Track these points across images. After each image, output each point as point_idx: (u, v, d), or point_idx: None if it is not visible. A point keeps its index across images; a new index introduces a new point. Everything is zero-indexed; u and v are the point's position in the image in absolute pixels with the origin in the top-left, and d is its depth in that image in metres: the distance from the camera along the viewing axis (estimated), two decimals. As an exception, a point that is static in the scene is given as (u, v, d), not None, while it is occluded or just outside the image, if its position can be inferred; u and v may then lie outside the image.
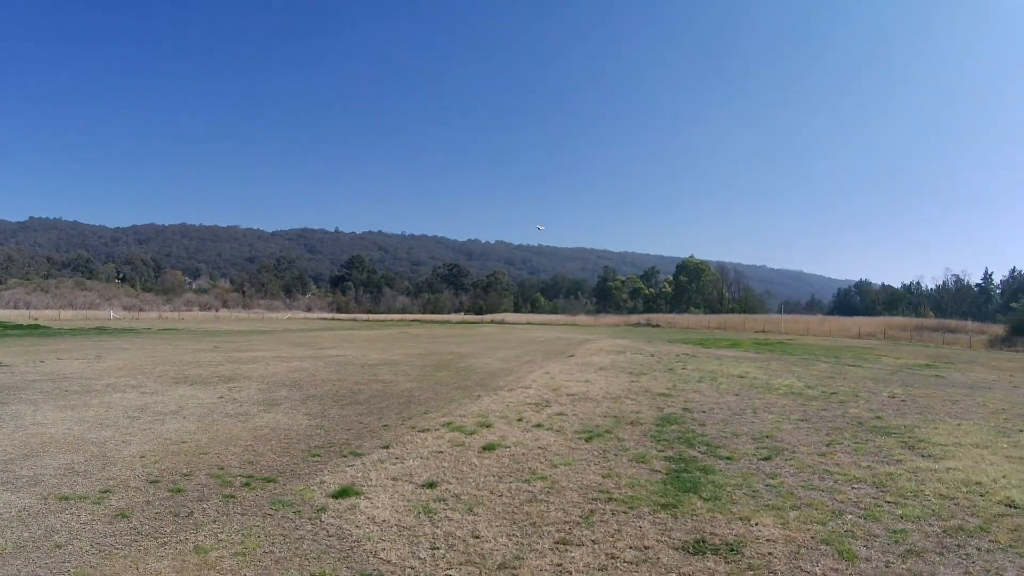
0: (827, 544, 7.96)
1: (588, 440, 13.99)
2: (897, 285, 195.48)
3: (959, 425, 16.56)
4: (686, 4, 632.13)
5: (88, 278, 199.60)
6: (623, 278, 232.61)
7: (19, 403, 18.13)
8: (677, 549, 7.81)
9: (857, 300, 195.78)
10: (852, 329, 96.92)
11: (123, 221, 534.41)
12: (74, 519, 8.77)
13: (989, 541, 8.17)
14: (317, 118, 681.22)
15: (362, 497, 9.82)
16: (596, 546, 7.91)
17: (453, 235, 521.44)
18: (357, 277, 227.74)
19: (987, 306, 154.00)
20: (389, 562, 7.41)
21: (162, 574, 7.06)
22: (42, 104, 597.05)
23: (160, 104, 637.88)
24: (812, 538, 8.17)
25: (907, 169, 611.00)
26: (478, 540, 8.04)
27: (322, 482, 10.69)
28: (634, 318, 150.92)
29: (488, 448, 13.10)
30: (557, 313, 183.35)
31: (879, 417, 17.42)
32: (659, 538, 8.16)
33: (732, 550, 7.74)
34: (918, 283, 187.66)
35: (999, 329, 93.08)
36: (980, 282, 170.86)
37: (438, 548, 7.82)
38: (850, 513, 9.16)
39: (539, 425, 15.68)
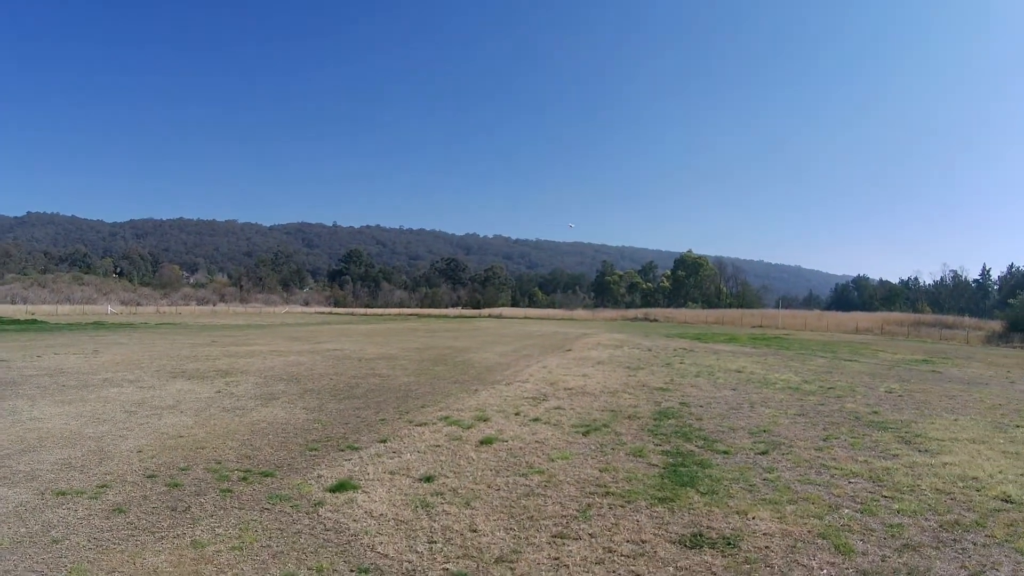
0: (824, 538, 7.98)
1: (585, 434, 14.02)
2: (895, 281, 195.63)
3: (956, 420, 16.59)
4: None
5: (85, 273, 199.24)
6: (621, 273, 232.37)
7: (16, 398, 18.13)
8: (674, 543, 7.83)
9: (855, 295, 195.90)
10: (849, 324, 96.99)
11: (121, 216, 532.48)
12: (71, 514, 8.78)
13: (985, 536, 8.18)
14: (315, 113, 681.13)
15: (359, 491, 9.83)
16: (593, 540, 7.92)
17: (451, 229, 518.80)
18: (355, 271, 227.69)
19: (984, 302, 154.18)
20: (387, 556, 7.42)
21: (159, 569, 7.07)
22: (40, 99, 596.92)
23: (158, 99, 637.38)
24: (809, 532, 8.18)
25: (905, 165, 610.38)
26: (476, 534, 8.05)
27: (319, 476, 10.71)
28: (632, 312, 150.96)
29: (485, 442, 13.11)
30: (555, 308, 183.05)
31: (876, 412, 17.44)
32: (656, 532, 8.18)
33: (729, 544, 7.75)
34: (916, 279, 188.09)
35: (996, 325, 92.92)
36: (978, 278, 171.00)
37: (436, 542, 7.83)
38: (847, 507, 9.17)
39: (536, 419, 15.69)
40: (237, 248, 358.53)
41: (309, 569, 7.06)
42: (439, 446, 12.82)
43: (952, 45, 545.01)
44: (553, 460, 11.73)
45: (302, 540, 7.89)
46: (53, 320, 78.08)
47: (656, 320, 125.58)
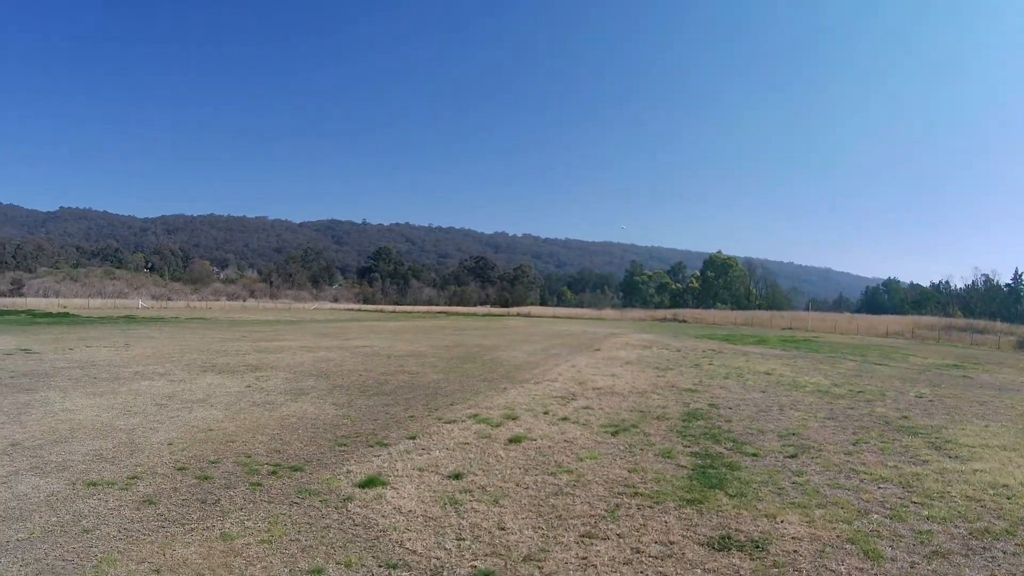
0: (853, 543, 7.95)
1: (614, 434, 14.02)
2: (926, 284, 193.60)
3: (986, 427, 16.43)
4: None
5: (117, 267, 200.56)
6: (650, 273, 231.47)
7: (48, 390, 18.32)
8: (702, 545, 7.82)
9: (885, 298, 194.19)
10: (880, 328, 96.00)
11: (152, 212, 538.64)
12: (102, 504, 8.88)
13: (1015, 544, 8.12)
14: (345, 111, 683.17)
15: (388, 487, 9.89)
16: (621, 540, 7.93)
17: (480, 228, 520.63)
18: (384, 269, 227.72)
19: (1016, 307, 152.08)
20: (415, 552, 7.46)
21: (189, 560, 7.15)
22: (74, 97, 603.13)
23: (189, 97, 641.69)
24: (838, 537, 8.16)
25: (938, 167, 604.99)
26: (504, 532, 8.08)
27: (349, 472, 10.78)
28: (660, 313, 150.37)
29: (514, 440, 13.15)
30: (583, 307, 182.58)
31: (906, 417, 17.31)
32: (684, 533, 8.17)
33: (757, 547, 7.75)
34: (947, 282, 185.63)
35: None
36: (1010, 282, 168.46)
37: (464, 539, 7.86)
38: (876, 513, 9.13)
39: (565, 418, 15.71)
40: (267, 244, 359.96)
41: (338, 563, 7.12)
42: (468, 444, 12.87)
43: (990, 42, 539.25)
44: (582, 460, 11.74)
45: (331, 535, 7.95)
46: (85, 314, 78.88)
47: (685, 321, 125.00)
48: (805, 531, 8.31)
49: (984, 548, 7.96)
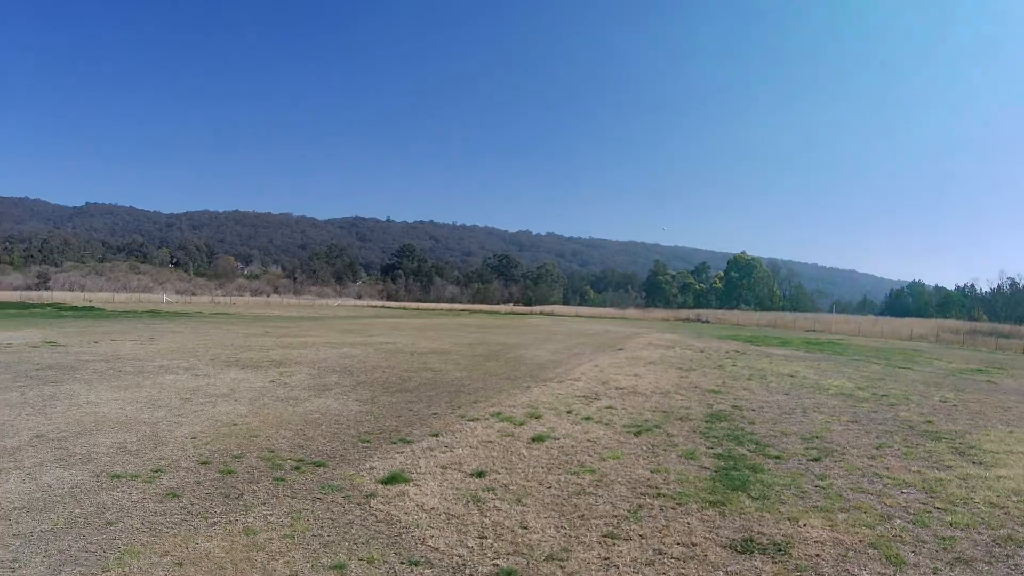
0: (875, 548, 7.94)
1: (637, 434, 14.02)
2: (951, 287, 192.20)
3: (1011, 432, 16.31)
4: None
5: (142, 262, 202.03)
6: (673, 272, 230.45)
7: (74, 383, 18.50)
8: (725, 547, 7.83)
9: (909, 301, 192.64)
10: (904, 331, 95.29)
11: (177, 207, 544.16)
12: (125, 497, 8.98)
13: (1040, 551, 8.06)
14: (369, 108, 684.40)
15: (411, 484, 9.94)
16: (644, 541, 7.94)
17: (504, 226, 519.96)
18: (408, 266, 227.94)
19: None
20: (437, 549, 7.50)
21: (211, 554, 7.23)
22: (99, 92, 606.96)
23: (214, 94, 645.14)
24: (860, 541, 8.14)
25: (964, 168, 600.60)
26: (526, 531, 8.10)
27: (372, 468, 10.84)
28: (683, 313, 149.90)
29: (537, 439, 13.17)
30: (606, 306, 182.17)
31: (930, 421, 17.21)
32: (707, 535, 8.17)
33: (780, 550, 7.75)
34: (972, 286, 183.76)
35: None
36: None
37: (486, 537, 7.89)
38: (899, 518, 9.10)
39: (588, 418, 15.72)
40: (291, 241, 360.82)
41: (360, 560, 7.17)
42: (491, 442, 12.90)
43: (1013, 45, 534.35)
44: (604, 459, 11.75)
45: (353, 530, 8.00)
46: (110, 308, 79.45)
47: (708, 321, 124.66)
48: (828, 535, 8.30)
49: (1007, 555, 7.92)
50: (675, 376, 25.35)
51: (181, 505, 8.73)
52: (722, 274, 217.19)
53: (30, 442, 11.89)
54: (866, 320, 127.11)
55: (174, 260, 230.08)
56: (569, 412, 16.44)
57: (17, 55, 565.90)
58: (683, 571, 7.15)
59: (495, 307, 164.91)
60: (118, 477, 9.87)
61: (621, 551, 7.61)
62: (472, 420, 15.05)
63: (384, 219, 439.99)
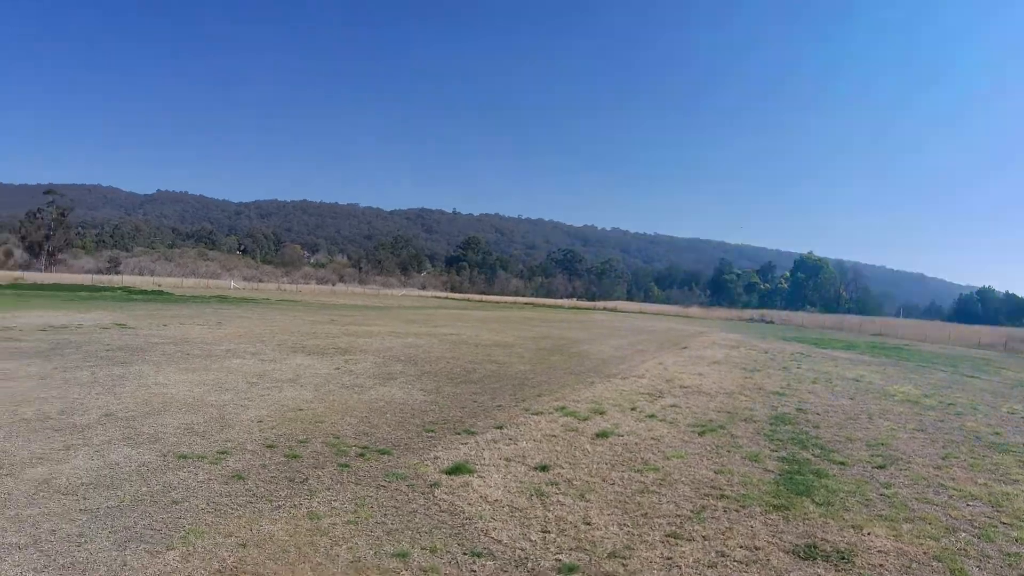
0: (939, 561, 7.85)
1: (701, 434, 13.96)
2: (1022, 294, 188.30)
3: (1083, 448, 15.98)
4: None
5: (210, 249, 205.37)
6: (739, 271, 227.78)
7: (143, 364, 18.94)
8: (788, 552, 7.79)
9: (979, 308, 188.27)
10: (972, 338, 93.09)
11: (246, 196, 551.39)
12: (191, 477, 9.20)
13: (1108, 570, 7.92)
14: (439, 101, 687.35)
15: (475, 475, 10.04)
16: (707, 543, 7.92)
17: (569, 220, 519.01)
18: (472, 258, 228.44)
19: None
20: (500, 542, 7.57)
21: (275, 536, 7.38)
22: (171, 83, 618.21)
23: (285, 86, 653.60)
24: (924, 553, 8.06)
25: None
26: (589, 527, 8.12)
27: (436, 458, 10.96)
28: (748, 313, 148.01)
29: (601, 435, 13.19)
30: (670, 304, 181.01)
31: (997, 433, 16.83)
32: (770, 539, 8.14)
33: (843, 558, 7.70)
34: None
35: None
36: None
37: (549, 532, 7.93)
38: (964, 531, 8.97)
39: (652, 415, 15.69)
40: (358, 231, 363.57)
41: (423, 549, 7.25)
42: (555, 436, 12.95)
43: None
44: (668, 458, 11.73)
45: (417, 519, 8.09)
46: (178, 292, 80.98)
47: (772, 322, 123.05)
48: (892, 545, 8.21)
49: (1075, 574, 7.78)
50: (739, 376, 25.16)
51: (246, 487, 8.92)
52: (788, 275, 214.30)
53: (99, 420, 12.21)
54: (933, 325, 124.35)
55: (242, 247, 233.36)
56: (633, 409, 16.42)
57: (91, 48, 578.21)
58: (745, 575, 7.15)
59: (558, 301, 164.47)
60: (184, 457, 10.11)
61: (683, 552, 7.61)
62: (536, 414, 15.10)
63: (450, 211, 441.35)
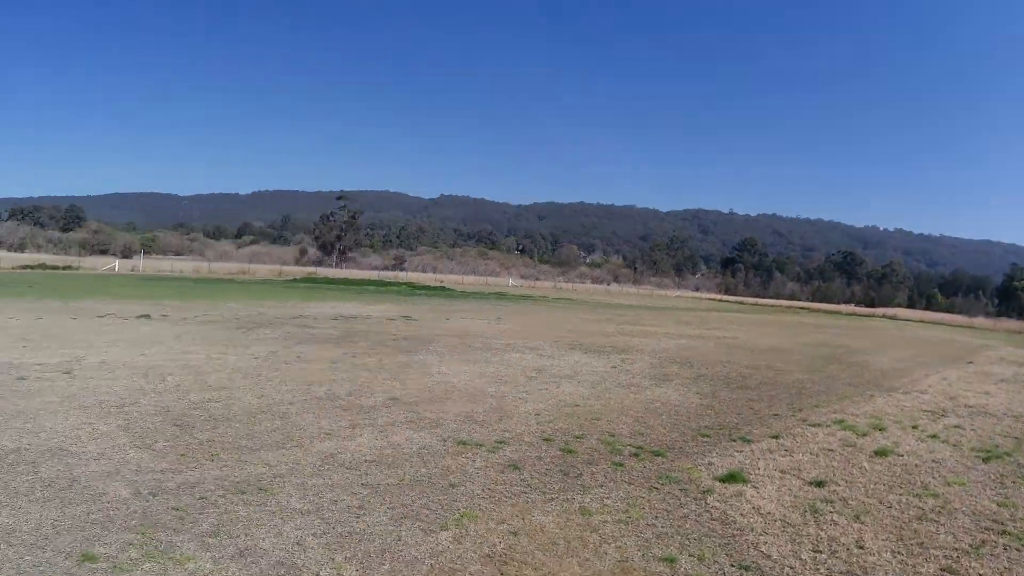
0: None
1: (985, 460, 13.21)
2: None
3: None
4: None
5: (490, 248, 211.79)
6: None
7: (426, 354, 20.15)
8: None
9: None
10: None
11: (525, 199, 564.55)
12: (469, 463, 9.85)
13: None
14: (712, 103, 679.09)
15: (748, 485, 10.07)
16: (984, 581, 7.55)
17: (849, 220, 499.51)
18: (748, 260, 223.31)
19: None
20: (769, 557, 7.57)
21: (546, 528, 7.75)
22: (457, 95, 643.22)
23: (562, 93, 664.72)
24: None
25: None
26: (862, 551, 7.96)
27: (710, 464, 11.09)
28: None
29: (880, 453, 12.83)
30: (952, 312, 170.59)
31: None
32: (1053, 588, 7.63)
33: None
34: None
35: None
36: None
37: (820, 552, 7.85)
38: None
39: (934, 436, 15.04)
40: (633, 232, 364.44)
41: (690, 556, 7.36)
42: (832, 450, 12.75)
43: None
44: (949, 484, 11.23)
45: (687, 525, 8.22)
46: (459, 288, 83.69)
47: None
48: None
49: None
50: (1030, 398, 23.58)
51: (521, 477, 9.41)
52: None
53: (384, 403, 13.27)
54: None
55: (520, 247, 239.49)
56: (914, 427, 15.81)
57: (399, 67, 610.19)
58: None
59: (835, 307, 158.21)
60: (464, 444, 10.82)
61: (958, 588, 7.31)
62: (813, 425, 14.91)
63: (727, 211, 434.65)
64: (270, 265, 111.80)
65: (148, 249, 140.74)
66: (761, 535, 8.17)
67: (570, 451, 11.02)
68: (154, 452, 9.69)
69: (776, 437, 13.35)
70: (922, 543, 8.43)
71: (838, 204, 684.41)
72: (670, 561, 7.17)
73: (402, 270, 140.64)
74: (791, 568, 7.34)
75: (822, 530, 8.54)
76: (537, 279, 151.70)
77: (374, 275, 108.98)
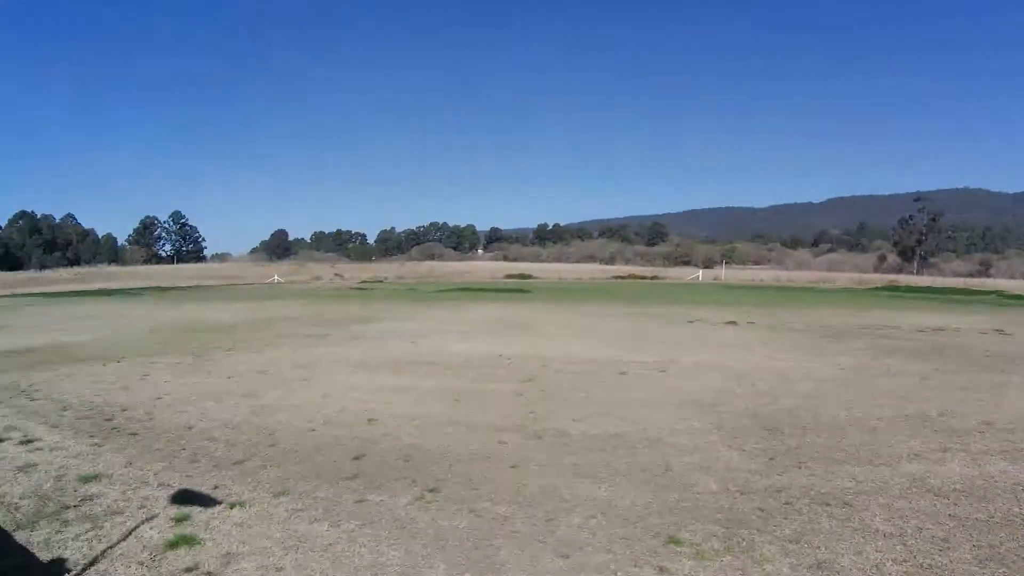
0: None
1: None
2: None
3: None
4: None
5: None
6: None
7: (1016, 375, 17.82)
8: None
9: None
10: None
11: None
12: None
13: None
14: None
15: None
16: None
17: None
18: None
19: None
20: None
21: None
22: None
23: None
24: None
25: None
26: None
27: None
28: None
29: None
30: None
31: None
32: None
33: None
34: None
35: None
36: None
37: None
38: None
39: None
40: None
41: None
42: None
43: None
44: None
45: None
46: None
47: None
48: None
49: None
50: None
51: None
52: None
53: (977, 428, 12.09)
54: None
55: None
56: None
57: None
58: None
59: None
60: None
61: None
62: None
63: None
64: (848, 273, 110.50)
65: (728, 259, 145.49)
66: None
67: None
68: (744, 452, 10.12)
69: None
70: None
71: None
72: None
73: (988, 276, 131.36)
74: None
75: None
76: None
77: (959, 283, 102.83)
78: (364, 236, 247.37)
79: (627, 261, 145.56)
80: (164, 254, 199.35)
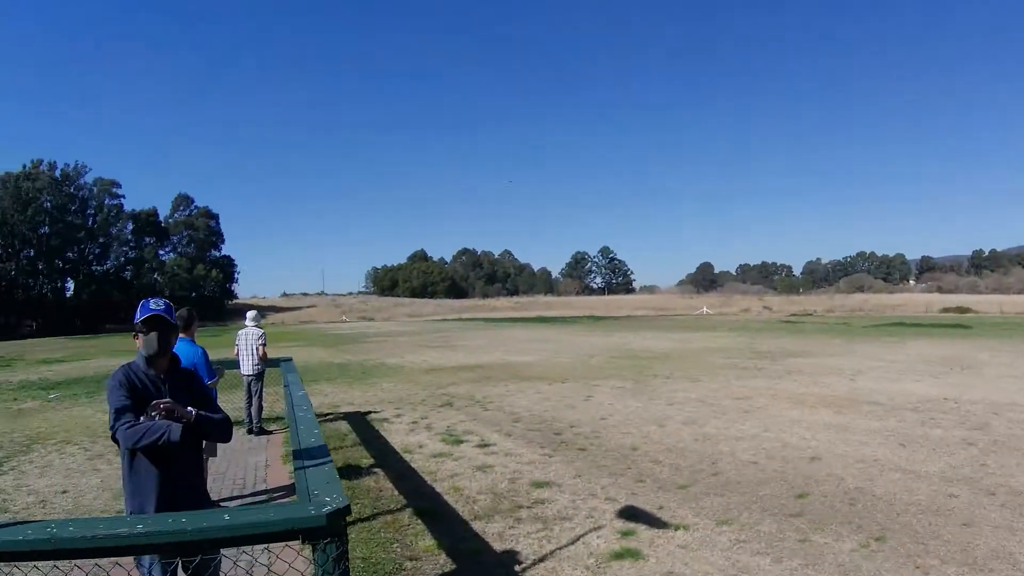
0: None
1: None
2: None
3: None
4: None
5: None
6: None
7: None
8: None
9: None
10: None
11: None
12: None
13: None
14: None
15: None
16: None
17: None
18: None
19: None
20: None
21: None
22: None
23: None
24: None
25: None
26: None
27: None
28: None
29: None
30: None
31: None
32: None
33: None
34: None
35: None
36: None
37: None
38: None
39: None
40: None
41: None
42: None
43: None
44: None
45: None
46: None
47: None
48: None
49: None
50: None
51: None
52: None
53: None
54: None
55: None
56: None
57: None
58: None
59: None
60: None
61: None
62: None
63: None
64: None
65: None
66: None
67: None
68: None
69: None
70: None
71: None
72: None
73: None
74: None
75: None
76: None
77: None
78: (790, 268, 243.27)
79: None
80: (595, 286, 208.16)
